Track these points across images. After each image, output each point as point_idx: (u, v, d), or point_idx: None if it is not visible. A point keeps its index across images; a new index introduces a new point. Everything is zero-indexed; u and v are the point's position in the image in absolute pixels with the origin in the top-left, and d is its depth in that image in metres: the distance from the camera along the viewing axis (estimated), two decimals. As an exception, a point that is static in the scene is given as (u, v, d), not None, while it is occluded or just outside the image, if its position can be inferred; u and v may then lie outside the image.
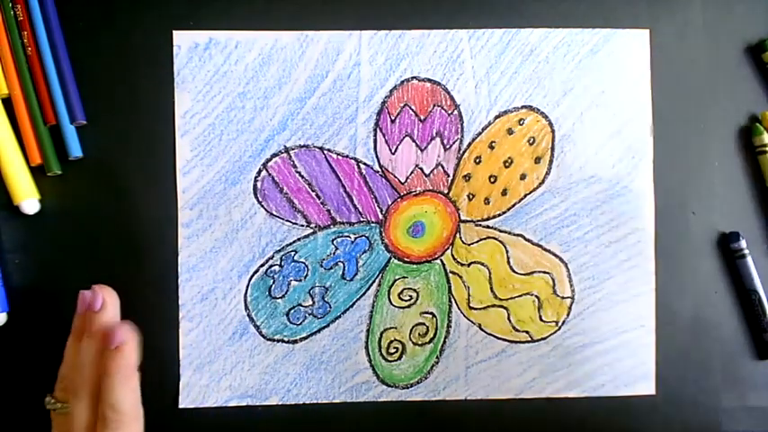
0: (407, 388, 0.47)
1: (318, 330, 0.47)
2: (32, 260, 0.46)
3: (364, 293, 0.47)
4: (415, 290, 0.48)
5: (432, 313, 0.48)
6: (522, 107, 0.48)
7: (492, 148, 0.48)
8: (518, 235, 0.48)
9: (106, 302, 0.39)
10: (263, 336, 0.47)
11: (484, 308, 0.48)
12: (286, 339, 0.47)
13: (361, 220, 0.47)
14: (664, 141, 0.48)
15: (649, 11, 0.49)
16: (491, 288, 0.48)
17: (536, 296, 0.48)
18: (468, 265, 0.48)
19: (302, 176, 0.47)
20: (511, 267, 0.48)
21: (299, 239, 0.47)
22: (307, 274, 0.47)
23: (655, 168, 0.48)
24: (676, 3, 0.49)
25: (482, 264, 0.48)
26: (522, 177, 0.48)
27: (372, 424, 0.47)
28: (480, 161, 0.48)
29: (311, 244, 0.47)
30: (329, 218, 0.47)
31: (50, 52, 0.45)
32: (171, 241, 0.46)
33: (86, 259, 0.46)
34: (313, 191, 0.47)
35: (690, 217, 0.49)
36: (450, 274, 0.48)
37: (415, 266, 0.48)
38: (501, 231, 0.48)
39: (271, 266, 0.47)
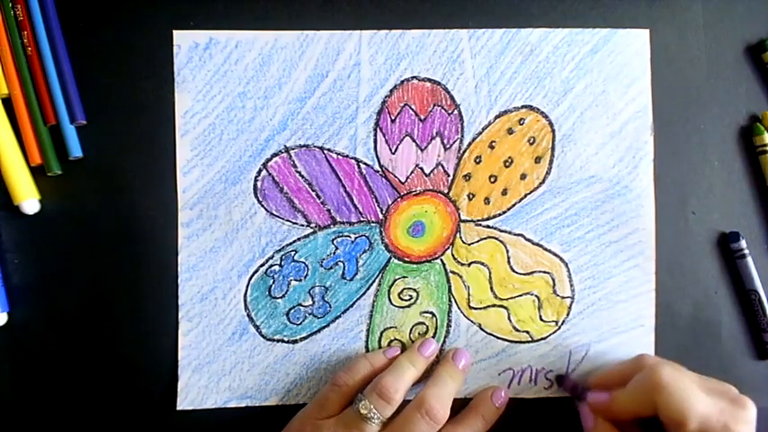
0: (407, 388, 0.47)
1: (318, 330, 0.47)
2: (32, 260, 0.46)
3: (364, 293, 0.47)
4: (415, 289, 0.48)
5: (432, 313, 0.48)
6: (522, 107, 0.48)
7: (492, 147, 0.48)
8: (518, 235, 0.48)
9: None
10: (262, 336, 0.47)
11: (484, 307, 0.48)
12: (286, 339, 0.47)
13: (362, 219, 0.47)
14: (664, 141, 0.48)
15: (649, 11, 0.49)
16: (491, 288, 0.48)
17: (536, 296, 0.48)
18: (469, 264, 0.48)
19: (302, 176, 0.47)
20: (511, 267, 0.48)
21: (299, 239, 0.47)
22: (307, 274, 0.47)
23: (655, 168, 0.48)
24: (676, 3, 0.49)
25: (482, 263, 0.48)
26: (523, 177, 0.48)
27: (372, 424, 0.47)
28: (480, 161, 0.48)
29: (311, 244, 0.47)
30: (329, 218, 0.47)
31: (50, 52, 0.45)
32: (171, 241, 0.46)
33: (86, 259, 0.46)
34: (313, 191, 0.47)
35: (690, 217, 0.49)
36: (451, 274, 0.48)
37: (415, 266, 0.48)
38: (501, 231, 0.48)
39: (271, 266, 0.47)
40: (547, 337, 0.48)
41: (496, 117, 0.48)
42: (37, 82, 0.46)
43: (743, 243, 0.48)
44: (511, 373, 0.48)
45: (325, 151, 0.47)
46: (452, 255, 0.48)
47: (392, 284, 0.47)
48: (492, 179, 0.48)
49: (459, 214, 0.48)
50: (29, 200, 0.45)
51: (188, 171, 0.47)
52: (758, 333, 0.48)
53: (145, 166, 0.47)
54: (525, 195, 0.48)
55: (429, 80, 0.47)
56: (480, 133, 0.48)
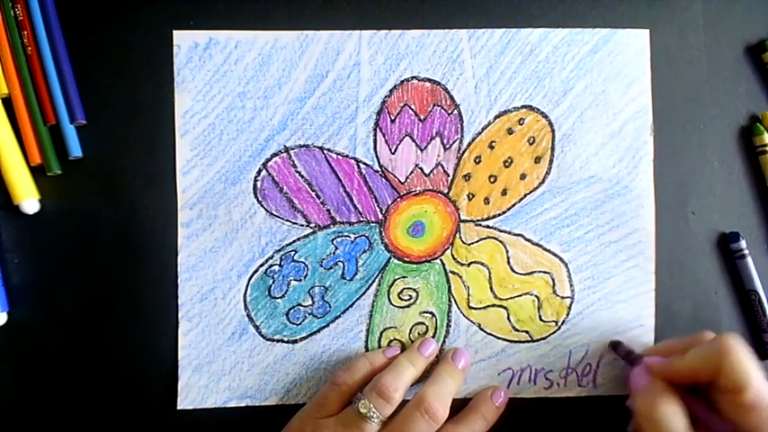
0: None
1: (318, 330, 0.47)
2: (32, 260, 0.46)
3: (364, 293, 0.47)
4: (414, 289, 0.48)
5: (431, 313, 0.48)
6: (522, 107, 0.48)
7: (492, 147, 0.48)
8: (518, 235, 0.48)
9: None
10: (262, 336, 0.47)
11: (483, 307, 0.48)
12: (286, 339, 0.47)
13: (361, 219, 0.47)
14: (664, 141, 0.48)
15: (649, 11, 0.49)
16: (491, 288, 0.48)
17: (536, 296, 0.48)
18: (468, 264, 0.48)
19: (302, 176, 0.47)
20: (511, 267, 0.48)
21: (298, 239, 0.47)
22: (306, 274, 0.47)
23: (655, 168, 0.48)
24: (676, 3, 0.49)
25: (482, 263, 0.48)
26: (522, 177, 0.48)
27: (372, 424, 0.47)
28: (480, 161, 0.48)
29: (311, 244, 0.47)
30: (329, 218, 0.47)
31: (50, 52, 0.46)
32: (171, 241, 0.46)
33: (86, 259, 0.46)
34: (313, 191, 0.47)
35: (690, 217, 0.49)
36: (450, 274, 0.48)
37: (414, 266, 0.48)
38: (501, 231, 0.48)
39: (270, 266, 0.47)
40: (546, 337, 0.48)
41: (496, 117, 0.48)
42: (37, 82, 0.46)
43: (743, 243, 0.48)
44: (510, 372, 0.48)
45: (325, 151, 0.47)
46: (452, 255, 0.48)
47: (392, 284, 0.47)
48: (492, 179, 0.48)
49: (458, 214, 0.48)
50: (29, 200, 0.45)
51: (188, 171, 0.47)
52: (758, 333, 0.48)
53: (145, 166, 0.47)
54: (525, 195, 0.48)
55: (429, 80, 0.47)
56: (480, 133, 0.48)
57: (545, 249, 0.48)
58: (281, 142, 0.47)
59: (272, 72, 0.47)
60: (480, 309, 0.48)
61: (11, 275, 0.46)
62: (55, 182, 0.46)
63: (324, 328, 0.47)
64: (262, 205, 0.47)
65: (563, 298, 0.48)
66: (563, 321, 0.48)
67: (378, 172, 0.47)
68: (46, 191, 0.46)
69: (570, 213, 0.48)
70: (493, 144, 0.48)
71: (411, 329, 0.48)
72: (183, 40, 0.47)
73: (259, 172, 0.47)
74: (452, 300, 0.48)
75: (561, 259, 0.48)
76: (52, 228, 0.46)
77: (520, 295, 0.48)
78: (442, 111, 0.48)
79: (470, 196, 0.48)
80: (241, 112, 0.47)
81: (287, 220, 0.47)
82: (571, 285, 0.48)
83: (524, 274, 0.48)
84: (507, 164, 0.48)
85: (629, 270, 0.48)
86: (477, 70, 0.48)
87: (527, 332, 0.48)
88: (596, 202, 0.48)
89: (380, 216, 0.48)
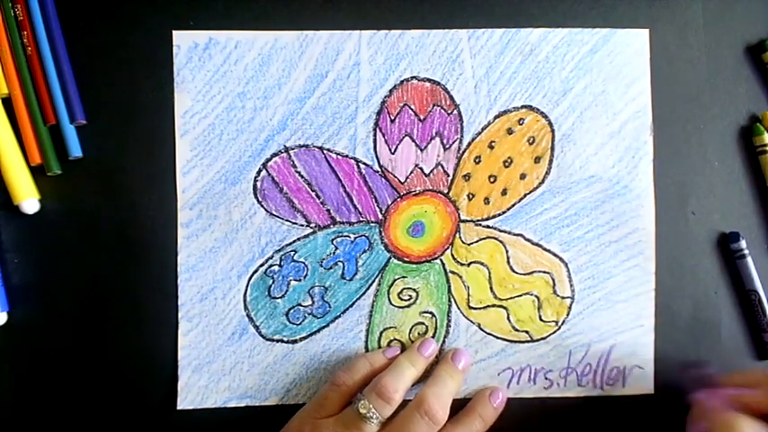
0: (407, 388, 0.47)
1: (318, 330, 0.47)
2: (32, 260, 0.46)
3: (364, 293, 0.47)
4: (414, 289, 0.48)
5: (431, 313, 0.48)
6: (522, 107, 0.48)
7: (492, 147, 0.48)
8: (518, 235, 0.48)
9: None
10: (262, 336, 0.47)
11: (483, 307, 0.48)
12: (286, 339, 0.47)
13: (361, 219, 0.47)
14: (664, 141, 0.48)
15: (649, 11, 0.49)
16: (491, 288, 0.48)
17: (536, 296, 0.48)
18: (468, 264, 0.48)
19: (302, 176, 0.47)
20: (511, 267, 0.48)
21: (298, 239, 0.47)
22: (306, 274, 0.47)
23: (655, 168, 0.48)
24: (676, 3, 0.49)
25: (482, 263, 0.48)
26: (522, 177, 0.48)
27: (372, 424, 0.47)
28: (480, 161, 0.48)
29: (311, 244, 0.47)
30: (329, 218, 0.47)
31: (50, 52, 0.46)
32: (170, 241, 0.46)
33: (86, 259, 0.46)
34: (313, 191, 0.47)
35: (690, 217, 0.49)
36: (450, 274, 0.48)
37: (414, 266, 0.48)
38: (501, 231, 0.48)
39: (270, 266, 0.47)
40: (546, 337, 0.48)
41: (496, 117, 0.48)
42: (37, 82, 0.46)
43: (743, 243, 0.48)
44: (510, 372, 0.48)
45: (325, 151, 0.47)
46: (452, 255, 0.48)
47: (392, 284, 0.47)
48: (492, 179, 0.48)
49: (458, 214, 0.48)
50: (29, 200, 0.45)
51: (188, 171, 0.47)
52: (758, 333, 0.48)
53: (145, 166, 0.47)
54: (525, 195, 0.48)
55: (429, 80, 0.47)
56: (480, 133, 0.48)
57: (545, 249, 0.48)
58: (281, 142, 0.47)
59: (271, 72, 0.47)
60: (480, 309, 0.48)
61: (11, 275, 0.46)
62: (55, 182, 0.46)
63: (324, 328, 0.47)
64: (262, 205, 0.47)
65: (563, 298, 0.48)
66: (563, 321, 0.48)
67: (378, 172, 0.47)
68: (46, 191, 0.46)
69: (570, 213, 0.48)
70: (493, 144, 0.48)
71: (411, 329, 0.48)
72: (183, 41, 0.47)
73: (259, 172, 0.47)
74: (452, 300, 0.48)
75: (561, 259, 0.48)
76: (52, 228, 0.46)
77: (520, 295, 0.48)
78: (442, 111, 0.48)
79: (470, 196, 0.48)
80: (241, 112, 0.47)
81: (287, 220, 0.47)
82: (571, 285, 0.48)
83: (524, 274, 0.48)
84: (507, 164, 0.48)
85: (629, 270, 0.48)
86: (477, 70, 0.48)
87: (527, 332, 0.48)
88: (596, 201, 0.48)
89: (380, 216, 0.48)
